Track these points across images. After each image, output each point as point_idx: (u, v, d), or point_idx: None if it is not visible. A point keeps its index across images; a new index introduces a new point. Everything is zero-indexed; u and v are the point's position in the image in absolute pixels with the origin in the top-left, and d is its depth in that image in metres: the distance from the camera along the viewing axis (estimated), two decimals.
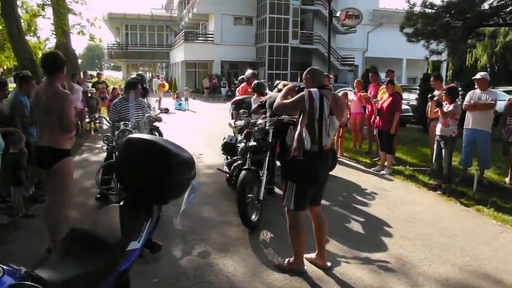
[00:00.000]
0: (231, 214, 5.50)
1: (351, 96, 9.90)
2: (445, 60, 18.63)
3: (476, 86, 7.26)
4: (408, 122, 15.11)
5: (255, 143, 5.58)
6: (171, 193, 2.47)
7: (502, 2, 12.72)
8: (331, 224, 5.26)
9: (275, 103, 4.07)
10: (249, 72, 11.15)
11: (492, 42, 29.13)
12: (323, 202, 6.08)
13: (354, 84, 10.30)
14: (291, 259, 4.00)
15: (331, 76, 10.34)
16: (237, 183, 4.97)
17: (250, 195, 5.05)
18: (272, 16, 31.71)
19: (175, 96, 23.05)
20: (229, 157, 6.67)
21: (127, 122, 5.69)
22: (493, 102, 6.96)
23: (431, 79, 8.33)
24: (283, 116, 5.29)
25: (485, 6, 12.47)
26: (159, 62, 47.55)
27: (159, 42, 45.44)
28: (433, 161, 7.21)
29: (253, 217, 5.06)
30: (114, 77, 46.45)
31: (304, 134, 3.71)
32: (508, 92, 19.79)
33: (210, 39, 34.63)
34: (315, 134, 3.68)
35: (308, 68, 4.06)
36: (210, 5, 32.84)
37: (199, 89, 33.37)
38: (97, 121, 11.31)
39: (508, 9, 12.54)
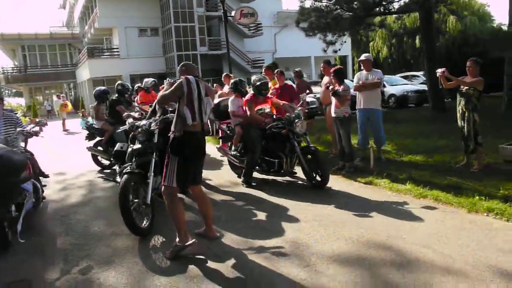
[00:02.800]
0: (124, 225, 5.06)
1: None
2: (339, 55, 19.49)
3: (362, 68, 7.47)
4: (315, 114, 15.46)
5: (139, 146, 5.21)
6: None
7: None
8: (227, 218, 5.12)
9: (158, 97, 4.41)
10: (148, 81, 10.72)
11: (389, 35, 31.28)
12: (220, 196, 6.20)
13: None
14: (177, 240, 4.04)
15: (231, 75, 10.19)
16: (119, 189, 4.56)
17: (136, 200, 4.67)
18: (178, 25, 31.23)
19: (82, 115, 21.75)
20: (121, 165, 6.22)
21: None
22: (379, 80, 7.18)
23: (321, 65, 8.46)
24: (169, 115, 5.08)
25: None
26: (65, 82, 44.90)
27: (63, 61, 42.87)
28: (337, 143, 7.33)
29: (144, 223, 4.69)
30: (17, 105, 43.16)
31: (185, 112, 3.96)
32: (406, 77, 21.22)
33: (116, 53, 33.32)
34: (195, 111, 4.02)
35: (182, 63, 4.45)
36: (111, 19, 31.56)
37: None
38: None
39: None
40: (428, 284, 3.16)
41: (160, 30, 33.51)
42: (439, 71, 6.38)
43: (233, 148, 7.19)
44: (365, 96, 7.27)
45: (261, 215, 5.16)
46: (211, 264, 3.83)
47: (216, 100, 7.95)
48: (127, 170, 4.77)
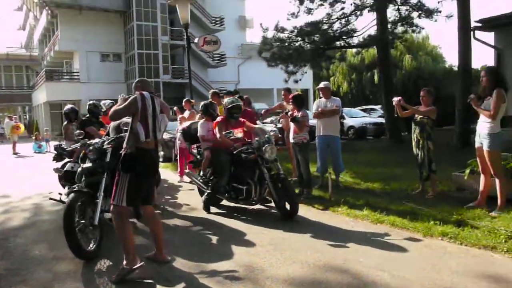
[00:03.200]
0: (68, 248, 4.72)
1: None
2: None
3: (321, 95, 7.57)
4: (277, 144, 15.52)
5: (90, 164, 4.96)
6: None
7: (344, 29, 14.04)
8: (180, 242, 4.90)
9: (111, 112, 4.11)
10: (105, 102, 10.42)
11: (349, 71, 32.33)
12: (176, 221, 5.92)
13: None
14: (124, 263, 3.80)
15: (192, 101, 10.09)
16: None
17: (83, 220, 4.38)
18: (141, 52, 31.08)
19: (35, 138, 20.91)
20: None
21: None
22: (337, 107, 7.28)
23: (282, 93, 8.53)
24: (123, 134, 4.87)
25: (330, 31, 13.56)
26: (20, 105, 43.30)
27: (18, 83, 41.51)
28: (296, 169, 7.29)
29: (90, 245, 4.39)
30: None
31: (138, 128, 3.83)
32: (364, 110, 21.86)
33: (76, 77, 32.59)
34: (149, 128, 3.89)
35: (137, 79, 4.39)
36: (73, 42, 31.01)
37: None
38: None
39: (352, 34, 13.78)
40: None
41: (123, 56, 33.22)
42: (395, 99, 6.54)
43: (201, 173, 6.76)
44: (324, 123, 7.34)
45: (216, 240, 4.97)
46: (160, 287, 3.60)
47: (187, 124, 7.52)
48: (74, 189, 4.49)
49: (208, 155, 6.41)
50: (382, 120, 16.46)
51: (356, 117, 18.85)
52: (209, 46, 12.46)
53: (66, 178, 6.06)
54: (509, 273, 3.56)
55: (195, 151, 7.07)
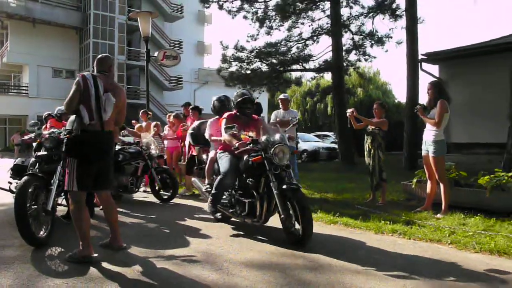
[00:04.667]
0: (17, 238, 4.50)
1: (166, 131, 9.60)
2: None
3: (280, 106, 7.81)
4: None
5: (45, 153, 4.84)
6: None
7: (301, 53, 14.62)
8: (134, 235, 4.84)
9: (64, 104, 3.90)
10: (60, 108, 10.16)
11: (303, 101, 33.32)
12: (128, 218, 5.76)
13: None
14: (79, 248, 3.73)
15: (149, 113, 10.03)
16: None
17: (35, 206, 4.23)
18: None
19: None
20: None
21: None
22: (295, 118, 7.52)
23: None
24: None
25: (288, 54, 14.07)
26: None
27: None
28: None
29: (41, 232, 4.23)
30: None
31: (81, 111, 3.69)
32: (318, 136, 22.56)
33: (24, 92, 31.37)
34: (93, 110, 3.72)
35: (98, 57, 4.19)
36: (23, 55, 29.97)
37: (9, 147, 29.37)
38: None
39: (308, 58, 14.35)
40: (340, 282, 3.17)
41: (76, 73, 32.38)
42: (349, 111, 6.85)
43: (206, 181, 5.50)
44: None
45: (173, 233, 4.92)
46: (114, 268, 3.52)
47: (196, 123, 6.87)
48: (29, 172, 4.35)
49: (213, 157, 5.34)
50: (335, 145, 17.01)
51: (309, 142, 19.37)
52: (168, 61, 12.47)
53: (16, 172, 5.81)
54: (452, 259, 3.79)
55: (205, 156, 6.00)
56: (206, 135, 5.67)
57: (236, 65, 13.82)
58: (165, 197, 7.21)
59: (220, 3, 14.44)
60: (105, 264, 3.59)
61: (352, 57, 14.70)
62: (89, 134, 3.74)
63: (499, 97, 10.49)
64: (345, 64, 14.11)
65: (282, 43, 13.74)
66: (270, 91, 16.94)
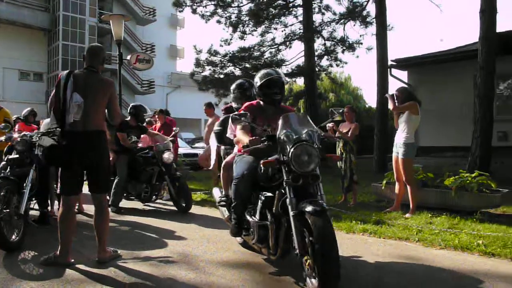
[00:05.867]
0: None
1: None
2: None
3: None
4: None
5: (17, 156, 4.77)
6: None
7: (274, 58, 14.80)
8: (110, 235, 4.80)
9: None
10: (26, 110, 9.98)
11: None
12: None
13: None
14: (57, 251, 3.63)
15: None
16: None
17: (7, 210, 4.16)
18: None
19: None
20: None
21: None
22: None
23: (204, 109, 8.65)
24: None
25: (261, 58, 14.22)
26: None
27: None
28: None
29: (13, 236, 4.17)
30: None
31: (51, 115, 3.65)
32: None
33: None
34: (59, 112, 3.58)
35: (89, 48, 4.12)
36: None
37: None
38: None
39: (281, 63, 14.53)
40: None
41: (45, 76, 31.69)
42: (329, 125, 6.78)
43: (222, 193, 4.25)
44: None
45: (147, 236, 4.93)
46: (92, 269, 3.52)
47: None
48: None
49: (230, 161, 3.94)
50: None
51: None
52: (141, 65, 12.36)
53: None
54: (420, 255, 3.99)
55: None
56: (229, 134, 4.13)
57: (210, 69, 13.89)
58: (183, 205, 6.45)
59: (194, 7, 14.45)
60: (81, 266, 3.59)
61: (324, 62, 15.01)
62: (68, 137, 3.58)
63: (464, 102, 10.96)
64: (317, 69, 14.38)
65: (256, 47, 13.92)
66: None
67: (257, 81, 3.77)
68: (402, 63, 13.41)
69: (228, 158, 4.02)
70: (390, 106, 6.01)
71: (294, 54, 13.69)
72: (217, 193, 4.51)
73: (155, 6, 34.40)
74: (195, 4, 14.39)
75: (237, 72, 13.90)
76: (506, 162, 9.74)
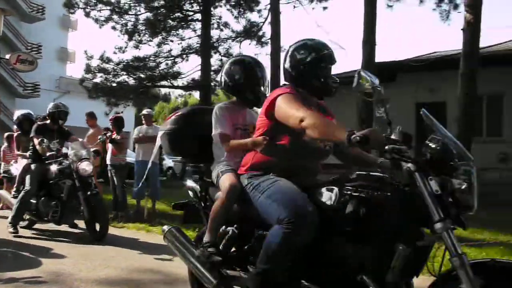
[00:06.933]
0: None
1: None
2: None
3: (143, 122, 7.74)
4: None
5: None
6: None
7: (170, 70, 14.70)
8: None
9: None
10: None
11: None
12: None
13: None
14: None
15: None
16: None
17: None
18: None
19: None
20: None
21: None
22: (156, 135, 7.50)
23: (86, 119, 8.31)
24: None
25: (156, 69, 14.02)
26: None
27: None
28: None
29: None
30: None
31: None
32: None
33: None
34: None
35: None
36: None
37: None
38: None
39: (177, 75, 14.47)
40: None
41: None
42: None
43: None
44: (143, 149, 7.43)
45: (18, 255, 4.52)
46: None
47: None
48: None
49: (234, 183, 2.37)
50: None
51: (174, 159, 19.36)
52: (23, 66, 11.31)
53: None
54: None
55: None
56: (215, 134, 2.61)
57: (101, 76, 13.27)
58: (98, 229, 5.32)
59: (87, 10, 13.76)
60: None
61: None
62: None
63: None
64: (212, 84, 14.54)
65: (151, 58, 13.65)
66: (137, 105, 16.58)
67: (303, 53, 2.31)
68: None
69: (230, 182, 2.36)
70: None
71: (191, 68, 13.81)
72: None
73: (44, 3, 32.00)
74: (88, 7, 13.72)
75: (131, 81, 13.50)
76: None
